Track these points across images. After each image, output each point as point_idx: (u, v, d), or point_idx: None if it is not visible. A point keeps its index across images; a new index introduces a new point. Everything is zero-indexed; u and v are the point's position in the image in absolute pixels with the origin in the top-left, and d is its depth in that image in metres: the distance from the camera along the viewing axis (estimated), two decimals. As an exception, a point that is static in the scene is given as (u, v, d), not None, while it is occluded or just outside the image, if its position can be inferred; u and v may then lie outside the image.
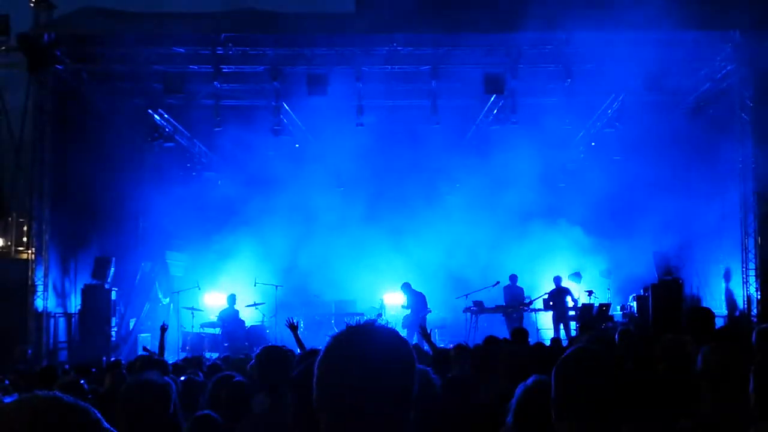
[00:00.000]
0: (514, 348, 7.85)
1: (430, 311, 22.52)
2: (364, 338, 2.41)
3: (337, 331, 2.46)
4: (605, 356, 3.50)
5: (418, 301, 22.32)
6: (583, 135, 24.54)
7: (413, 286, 22.71)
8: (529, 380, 4.41)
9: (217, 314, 22.32)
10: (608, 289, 23.81)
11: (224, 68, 20.12)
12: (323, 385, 2.37)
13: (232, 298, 22.15)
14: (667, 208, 23.13)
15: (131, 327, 22.63)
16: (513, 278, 23.11)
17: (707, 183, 20.90)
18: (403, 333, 21.57)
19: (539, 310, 23.04)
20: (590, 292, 22.48)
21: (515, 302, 22.64)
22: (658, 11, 19.55)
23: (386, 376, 2.36)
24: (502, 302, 23.00)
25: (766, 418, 4.20)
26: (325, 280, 25.02)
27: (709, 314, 7.97)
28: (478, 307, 22.42)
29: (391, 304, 24.16)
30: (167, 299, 24.82)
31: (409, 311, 22.34)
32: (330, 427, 2.36)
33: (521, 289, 23.04)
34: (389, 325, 2.51)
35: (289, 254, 25.45)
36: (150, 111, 23.09)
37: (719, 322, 18.96)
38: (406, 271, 24.73)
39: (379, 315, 22.97)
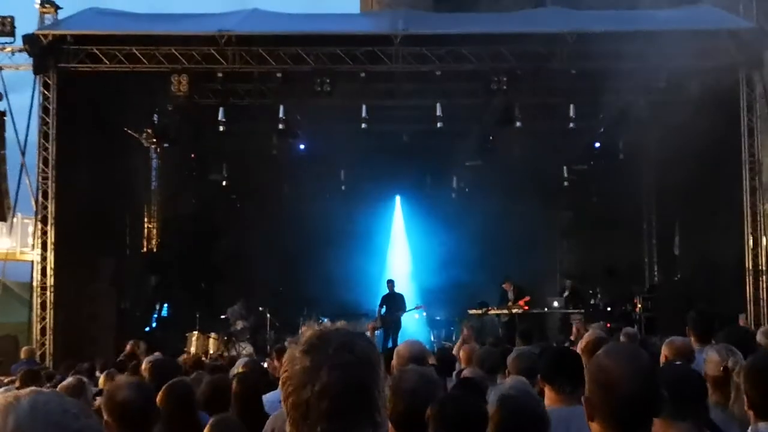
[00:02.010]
0: (523, 349, 7.84)
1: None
2: (341, 343, 2.45)
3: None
4: (642, 354, 3.47)
5: (397, 301, 22.31)
6: (588, 136, 24.47)
7: (395, 287, 22.62)
8: (502, 389, 4.40)
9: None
10: (612, 289, 23.80)
11: (228, 68, 20.08)
12: (298, 389, 2.41)
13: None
14: (673, 209, 23.15)
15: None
16: (390, 284, 22.88)
17: (714, 182, 20.83)
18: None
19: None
20: (594, 293, 22.47)
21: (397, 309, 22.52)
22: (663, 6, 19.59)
23: (364, 379, 2.45)
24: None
25: (763, 417, 4.20)
26: (328, 282, 25.01)
27: (713, 316, 7.95)
28: (483, 308, 22.39)
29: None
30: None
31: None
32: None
33: (401, 296, 22.90)
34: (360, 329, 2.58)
35: (293, 253, 25.51)
36: (155, 112, 23.11)
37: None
38: (410, 273, 24.75)
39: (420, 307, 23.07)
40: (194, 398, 6.05)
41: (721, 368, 4.93)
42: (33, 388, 2.01)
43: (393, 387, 4.20)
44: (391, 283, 22.51)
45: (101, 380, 9.05)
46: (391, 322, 21.85)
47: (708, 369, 5.05)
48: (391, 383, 4.24)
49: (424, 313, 24.51)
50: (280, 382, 2.49)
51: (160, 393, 5.77)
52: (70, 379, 7.75)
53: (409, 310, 23.40)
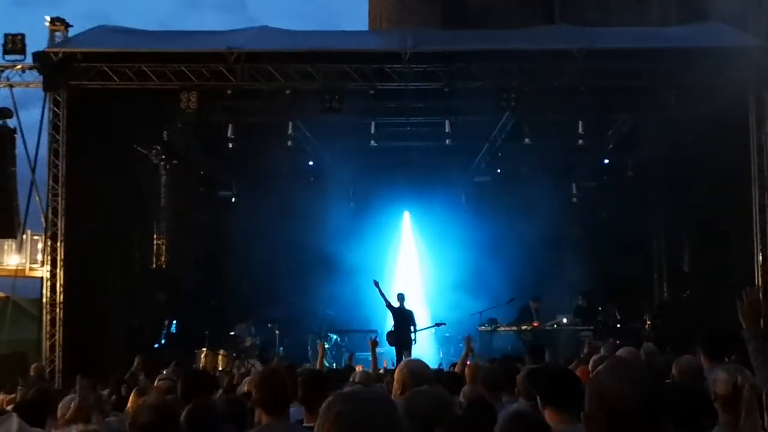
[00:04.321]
0: (532, 367, 7.79)
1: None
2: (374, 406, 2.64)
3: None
4: (643, 369, 3.44)
5: (406, 318, 22.04)
6: (597, 153, 24.45)
7: (405, 301, 22.35)
8: (511, 408, 4.37)
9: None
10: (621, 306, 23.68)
11: (237, 85, 20.10)
12: None
13: None
14: (682, 225, 23.08)
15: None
16: (400, 298, 22.59)
17: (723, 199, 20.75)
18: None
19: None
20: (603, 310, 22.38)
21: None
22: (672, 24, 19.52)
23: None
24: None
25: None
26: (336, 298, 24.98)
27: (724, 335, 7.90)
28: (492, 325, 22.31)
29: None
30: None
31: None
32: None
33: (411, 312, 22.60)
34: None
35: (302, 270, 25.50)
36: (165, 129, 23.17)
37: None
38: (418, 289, 24.66)
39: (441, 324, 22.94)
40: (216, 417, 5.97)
41: (731, 387, 4.89)
42: (82, 424, 2.12)
43: (405, 409, 4.14)
44: (401, 297, 22.27)
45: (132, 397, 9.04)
46: (401, 340, 21.56)
47: (717, 388, 5.01)
48: (404, 405, 4.20)
49: (433, 330, 24.42)
50: None
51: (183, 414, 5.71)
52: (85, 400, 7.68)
53: (430, 327, 23.30)
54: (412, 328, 21.78)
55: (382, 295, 21.49)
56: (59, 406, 7.44)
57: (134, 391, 9.25)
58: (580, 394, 3.38)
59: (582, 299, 23.44)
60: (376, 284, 21.45)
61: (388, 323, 23.01)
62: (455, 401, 6.25)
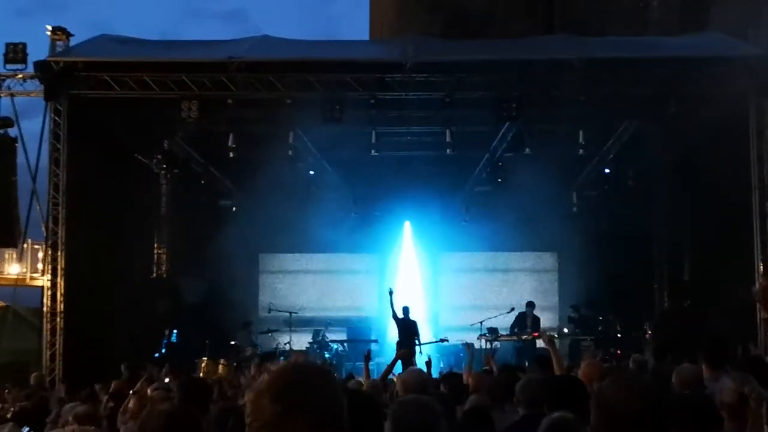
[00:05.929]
0: (532, 377, 7.78)
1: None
2: (307, 384, 2.53)
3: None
4: (647, 383, 3.45)
5: (410, 329, 22.04)
6: (597, 162, 24.45)
7: (410, 313, 22.36)
8: (555, 415, 4.35)
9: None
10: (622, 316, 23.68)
11: (238, 94, 20.12)
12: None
13: None
14: (683, 235, 23.07)
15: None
16: (405, 310, 22.55)
17: (724, 208, 20.76)
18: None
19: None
20: (604, 320, 22.34)
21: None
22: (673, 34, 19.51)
23: (334, 414, 2.53)
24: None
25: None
26: (337, 308, 24.98)
27: (726, 343, 7.89)
28: (493, 334, 22.30)
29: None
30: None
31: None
32: None
33: (415, 323, 22.58)
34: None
35: (302, 279, 25.51)
36: (165, 138, 23.18)
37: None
38: (419, 299, 24.64)
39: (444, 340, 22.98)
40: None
41: (737, 396, 4.90)
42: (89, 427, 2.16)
43: (393, 418, 4.11)
44: (405, 310, 22.34)
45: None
46: (405, 351, 21.55)
47: (723, 396, 5.01)
48: (391, 414, 4.16)
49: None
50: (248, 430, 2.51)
51: None
52: (85, 407, 7.68)
53: (433, 342, 23.29)
54: (416, 339, 21.82)
55: (392, 304, 21.65)
56: (62, 412, 7.43)
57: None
58: (585, 402, 3.39)
59: (573, 311, 23.50)
60: (390, 293, 21.72)
61: (389, 333, 23.03)
62: (449, 408, 6.24)
